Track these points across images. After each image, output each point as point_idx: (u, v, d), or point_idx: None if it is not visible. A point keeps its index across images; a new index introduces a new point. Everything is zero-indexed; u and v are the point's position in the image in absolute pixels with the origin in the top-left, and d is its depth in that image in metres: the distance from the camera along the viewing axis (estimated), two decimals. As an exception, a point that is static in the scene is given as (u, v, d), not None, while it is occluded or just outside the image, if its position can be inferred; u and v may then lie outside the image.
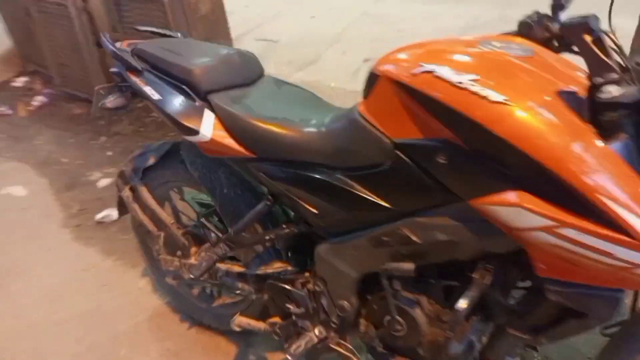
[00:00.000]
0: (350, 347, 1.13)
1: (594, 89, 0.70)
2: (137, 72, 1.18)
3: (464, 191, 0.80)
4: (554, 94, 0.73)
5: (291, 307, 1.16)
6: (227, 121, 1.06)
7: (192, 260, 1.32)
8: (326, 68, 3.45)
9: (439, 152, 0.80)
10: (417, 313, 1.00)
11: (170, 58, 1.15)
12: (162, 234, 1.39)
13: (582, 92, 0.72)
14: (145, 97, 1.15)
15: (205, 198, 1.44)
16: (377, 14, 4.38)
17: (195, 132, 1.06)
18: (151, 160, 1.36)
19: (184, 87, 1.11)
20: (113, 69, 1.25)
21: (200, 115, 1.08)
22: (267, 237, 1.14)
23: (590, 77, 0.70)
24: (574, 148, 0.69)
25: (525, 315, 0.89)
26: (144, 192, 1.39)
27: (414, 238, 0.89)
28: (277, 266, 1.20)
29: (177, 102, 1.10)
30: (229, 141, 1.06)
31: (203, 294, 1.58)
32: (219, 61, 1.13)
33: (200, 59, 1.13)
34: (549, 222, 0.70)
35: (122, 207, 1.51)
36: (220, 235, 1.24)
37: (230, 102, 1.08)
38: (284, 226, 1.12)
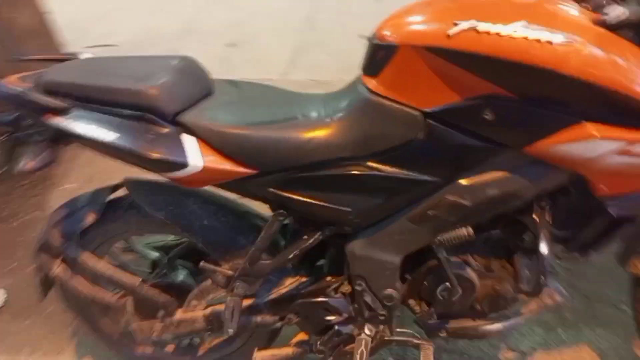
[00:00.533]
0: (409, 331, 1.11)
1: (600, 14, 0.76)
2: (59, 112, 0.92)
3: (517, 140, 0.82)
4: (588, 24, 0.77)
5: (331, 317, 1.08)
6: (214, 141, 0.90)
7: (185, 315, 1.13)
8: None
9: (484, 110, 0.80)
10: (469, 272, 1.02)
11: (107, 82, 0.92)
12: (129, 300, 1.16)
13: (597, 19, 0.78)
14: (88, 140, 0.90)
15: (159, 240, 1.24)
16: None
17: (183, 165, 0.88)
18: (90, 218, 1.10)
19: (142, 114, 0.90)
20: (4, 118, 0.96)
21: (178, 143, 0.89)
22: (290, 256, 1.03)
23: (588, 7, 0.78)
24: (633, 68, 0.74)
25: (576, 237, 0.96)
26: (90, 260, 1.12)
27: (464, 202, 0.90)
28: (289, 282, 1.10)
29: (141, 135, 0.89)
30: (224, 164, 0.91)
31: (180, 348, 1.37)
32: (173, 74, 0.94)
33: (147, 75, 0.92)
34: (620, 144, 0.76)
35: (47, 287, 1.21)
36: (229, 272, 1.08)
37: (209, 118, 0.92)
38: (305, 237, 1.02)
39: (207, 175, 0.90)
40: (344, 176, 0.91)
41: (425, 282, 1.06)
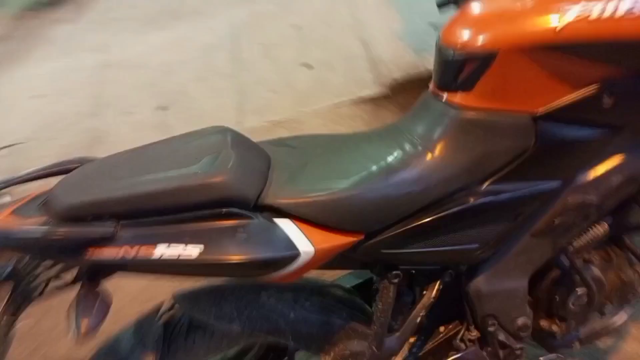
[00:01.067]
0: (552, 355, 1.08)
1: None
2: (108, 242, 0.73)
3: (637, 118, 0.81)
4: None
5: None
6: (314, 215, 0.78)
7: None
8: (123, 139, 2.92)
9: (601, 96, 0.77)
10: (595, 271, 0.99)
11: (155, 184, 0.75)
12: None
13: None
14: (167, 264, 0.72)
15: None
16: (117, 61, 3.92)
17: (294, 257, 0.74)
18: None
19: (222, 211, 0.74)
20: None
21: (278, 232, 0.76)
22: (418, 320, 0.93)
23: None
24: None
25: None
26: None
27: (589, 199, 0.86)
28: (403, 350, 1.00)
29: (231, 237, 0.73)
30: (333, 238, 0.78)
31: None
32: (231, 152, 0.79)
33: (203, 162, 0.77)
34: None
35: None
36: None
37: (296, 191, 0.80)
38: (424, 293, 0.92)
39: (319, 258, 0.77)
40: (464, 210, 0.84)
41: (556, 297, 0.99)
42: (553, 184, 0.84)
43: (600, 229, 0.90)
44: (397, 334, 0.93)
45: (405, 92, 2.52)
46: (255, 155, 0.84)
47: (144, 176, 0.78)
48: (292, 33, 3.31)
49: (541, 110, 0.79)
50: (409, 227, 0.82)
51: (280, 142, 0.96)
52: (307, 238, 0.76)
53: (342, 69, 2.79)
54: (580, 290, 0.97)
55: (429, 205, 0.82)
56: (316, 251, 0.76)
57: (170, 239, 0.72)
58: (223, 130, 0.87)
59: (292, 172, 0.84)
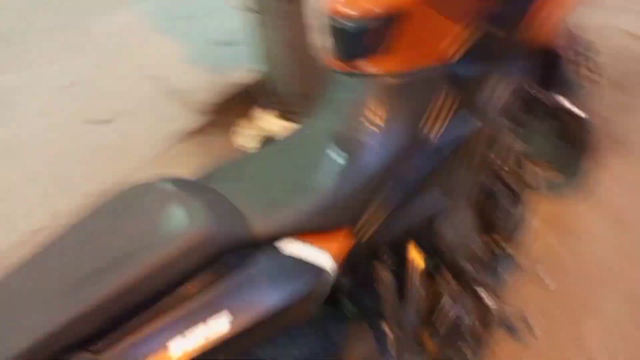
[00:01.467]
0: None
1: None
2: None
3: (512, 34, 0.95)
4: None
5: (466, 322, 1.06)
6: (314, 225, 0.74)
7: None
8: None
9: (491, 28, 0.89)
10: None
11: (125, 276, 0.60)
12: None
13: None
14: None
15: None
16: None
17: (328, 273, 0.69)
18: None
19: (224, 265, 0.64)
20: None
21: (291, 259, 0.69)
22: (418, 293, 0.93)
23: None
24: None
25: None
26: None
27: (499, 121, 1.02)
28: None
29: (253, 285, 0.63)
30: (337, 245, 0.75)
31: None
32: (183, 201, 0.69)
33: (155, 228, 0.65)
34: None
35: None
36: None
37: (283, 210, 0.74)
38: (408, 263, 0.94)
39: (339, 266, 0.72)
40: (424, 169, 0.88)
41: (497, 215, 1.12)
42: (473, 120, 0.94)
43: (516, 143, 1.06)
44: (412, 314, 0.93)
45: (225, 111, 2.50)
46: (210, 193, 0.74)
47: (95, 273, 0.61)
48: (68, 92, 2.95)
49: (449, 56, 0.86)
50: (386, 204, 0.83)
51: (209, 177, 0.86)
52: (321, 250, 0.71)
53: (147, 113, 2.61)
54: (508, 197, 1.12)
55: (395, 177, 0.84)
56: (333, 258, 0.72)
57: (181, 326, 0.58)
58: (153, 184, 0.73)
59: (255, 197, 0.77)
